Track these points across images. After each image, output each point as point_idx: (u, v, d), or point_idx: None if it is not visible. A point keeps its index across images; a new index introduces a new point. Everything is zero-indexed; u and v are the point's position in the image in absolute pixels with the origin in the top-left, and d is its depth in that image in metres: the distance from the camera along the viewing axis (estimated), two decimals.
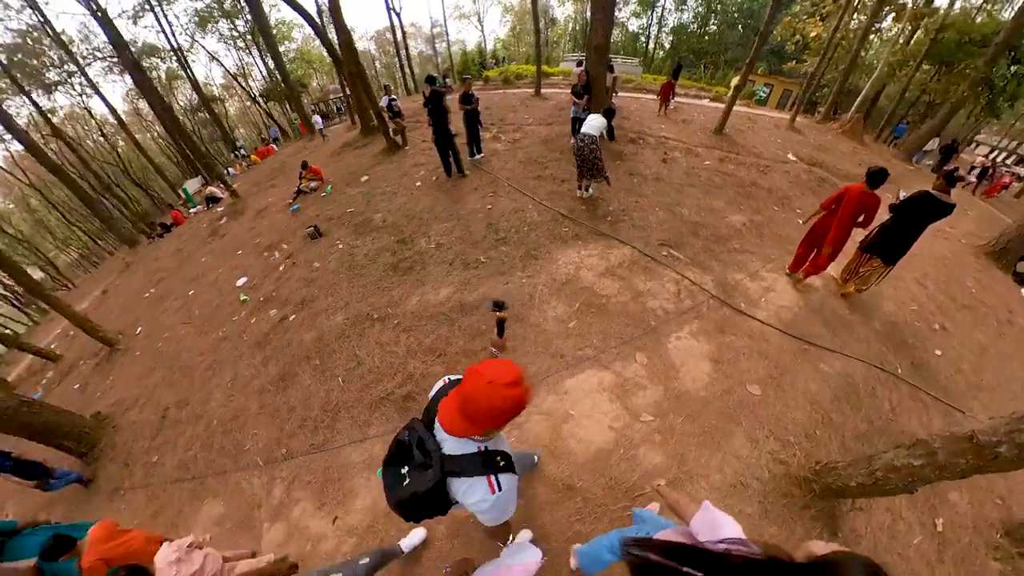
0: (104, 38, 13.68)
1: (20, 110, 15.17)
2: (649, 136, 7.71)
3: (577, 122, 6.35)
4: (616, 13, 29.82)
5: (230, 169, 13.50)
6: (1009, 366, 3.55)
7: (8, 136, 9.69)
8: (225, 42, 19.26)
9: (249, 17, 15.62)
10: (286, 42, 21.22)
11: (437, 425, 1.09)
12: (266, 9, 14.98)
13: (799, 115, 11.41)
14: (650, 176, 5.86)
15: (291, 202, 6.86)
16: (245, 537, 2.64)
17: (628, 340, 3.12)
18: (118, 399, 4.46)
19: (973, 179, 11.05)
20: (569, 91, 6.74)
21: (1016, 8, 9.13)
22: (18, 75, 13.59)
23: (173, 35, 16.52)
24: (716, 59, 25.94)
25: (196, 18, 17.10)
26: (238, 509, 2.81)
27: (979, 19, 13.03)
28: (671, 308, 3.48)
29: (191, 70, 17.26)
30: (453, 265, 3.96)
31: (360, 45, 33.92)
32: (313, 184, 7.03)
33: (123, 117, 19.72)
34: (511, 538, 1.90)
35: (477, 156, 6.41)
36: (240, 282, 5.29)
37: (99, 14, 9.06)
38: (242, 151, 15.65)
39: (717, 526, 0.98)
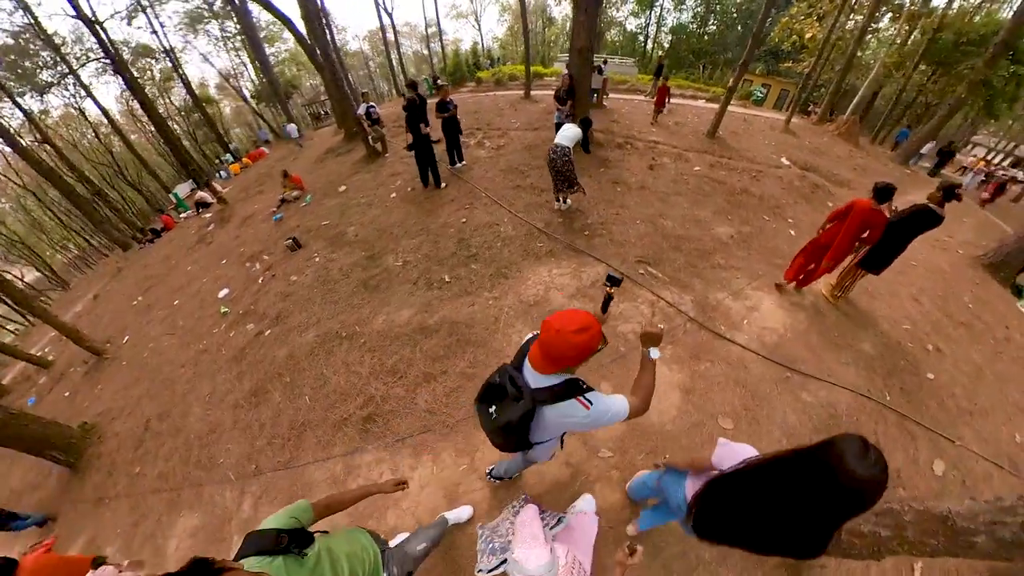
0: (96, 41, 13.67)
1: (14, 111, 15.20)
2: (638, 141, 7.61)
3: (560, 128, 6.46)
4: (614, 13, 29.86)
5: (221, 172, 13.54)
6: (1005, 388, 3.41)
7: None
8: (215, 44, 19.18)
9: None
10: (277, 43, 21.10)
11: (526, 366, 1.33)
12: (254, 12, 14.90)
13: (795, 116, 11.34)
14: (635, 185, 5.76)
15: (275, 210, 6.94)
16: (215, 548, 2.79)
17: (594, 368, 2.99)
18: (105, 409, 4.61)
19: (987, 194, 10.54)
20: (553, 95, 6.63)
21: (1015, 7, 9.02)
22: (5, 77, 13.60)
23: (165, 36, 16.46)
24: (715, 59, 25.75)
25: (186, 19, 17.00)
26: (211, 521, 2.96)
27: (977, 19, 12.86)
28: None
29: (183, 71, 17.20)
30: (417, 284, 3.95)
31: (353, 45, 33.64)
32: (295, 193, 7.10)
33: (118, 117, 19.75)
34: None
35: (458, 165, 6.38)
36: (222, 294, 5.41)
37: (90, 20, 9.03)
38: (227, 159, 15.59)
39: (737, 454, 1.19)
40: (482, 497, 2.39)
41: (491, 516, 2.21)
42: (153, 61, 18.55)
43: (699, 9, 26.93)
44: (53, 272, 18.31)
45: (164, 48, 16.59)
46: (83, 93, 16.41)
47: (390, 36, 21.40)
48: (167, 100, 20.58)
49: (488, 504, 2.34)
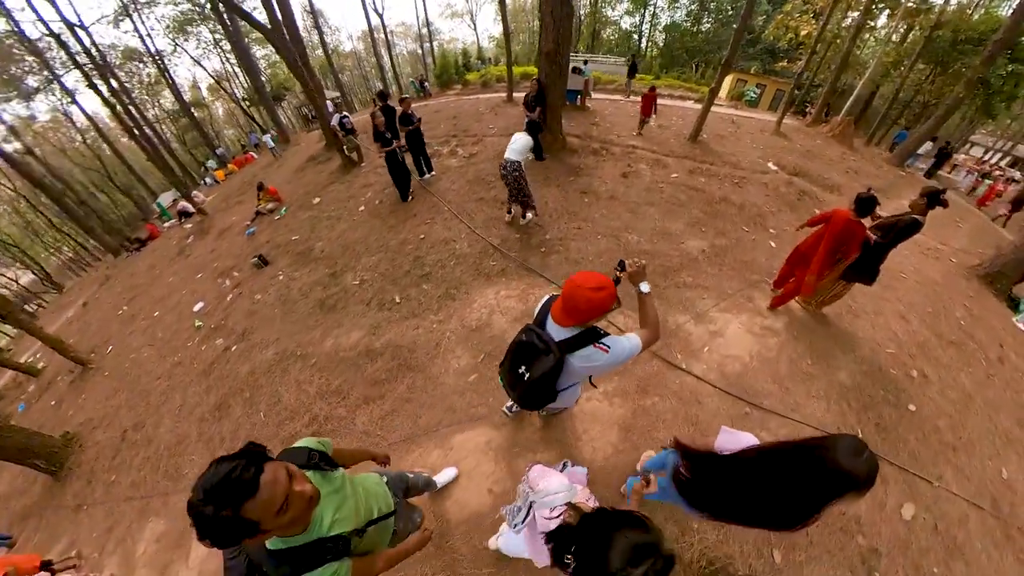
0: (84, 45, 13.72)
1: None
2: (615, 146, 7.45)
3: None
4: (609, 12, 29.57)
5: (206, 179, 13.67)
6: (995, 417, 3.18)
7: None
8: (204, 49, 19.13)
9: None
10: (268, 45, 21.00)
11: (548, 322, 1.52)
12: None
13: (789, 117, 11.22)
14: (604, 194, 5.58)
15: (249, 224, 7.13)
16: (177, 554, 3.07)
17: None
18: (86, 419, 4.87)
19: (1004, 211, 9.84)
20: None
21: (1014, 5, 8.83)
22: None
23: (152, 40, 16.47)
24: (709, 58, 25.56)
25: (174, 23, 16.96)
26: (174, 528, 3.21)
27: (976, 17, 12.63)
28: None
29: (170, 75, 17.24)
30: (370, 305, 4.05)
31: (348, 46, 33.39)
32: (270, 206, 7.27)
33: (107, 121, 19.76)
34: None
35: (427, 176, 6.45)
36: (197, 307, 5.65)
37: (72, 25, 9.08)
38: (212, 165, 15.64)
39: (738, 441, 1.35)
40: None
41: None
42: (141, 65, 18.58)
43: (693, 7, 26.77)
44: (47, 275, 18.56)
45: (151, 53, 16.63)
46: (69, 99, 16.51)
47: (380, 36, 21.27)
48: (156, 104, 20.61)
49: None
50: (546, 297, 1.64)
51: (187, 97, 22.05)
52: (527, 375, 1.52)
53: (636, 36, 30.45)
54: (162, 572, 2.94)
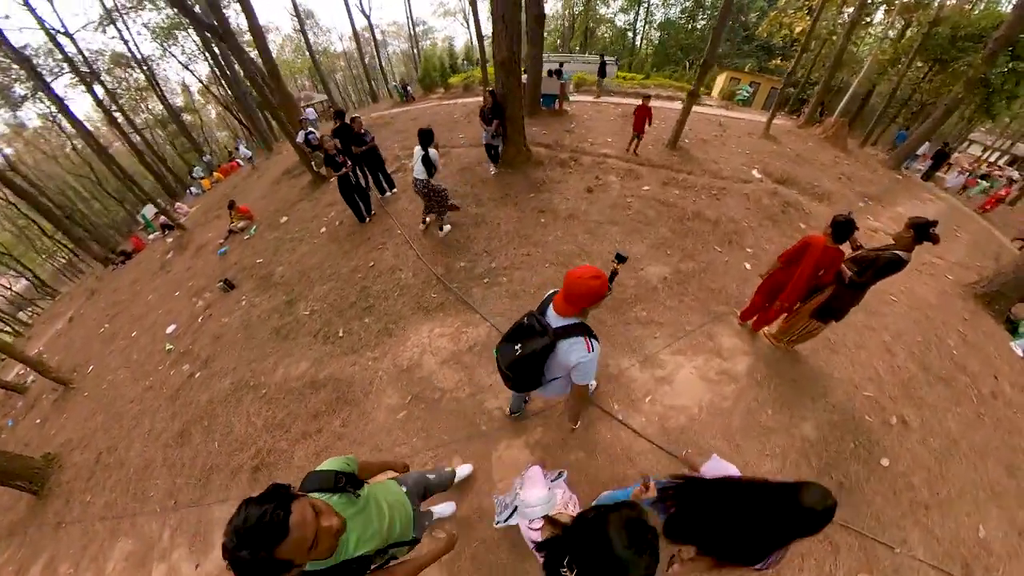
0: (71, 50, 13.65)
1: None
2: (586, 155, 7.08)
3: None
4: (603, 9, 28.97)
5: (192, 189, 13.77)
6: (981, 464, 2.91)
7: None
8: (189, 56, 18.98)
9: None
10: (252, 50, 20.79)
11: (549, 311, 1.73)
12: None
13: (783, 117, 10.80)
14: (563, 213, 5.29)
15: (222, 243, 7.30)
16: (141, 571, 3.37)
17: (447, 443, 2.89)
18: (66, 440, 5.12)
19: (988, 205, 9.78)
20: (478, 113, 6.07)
21: (1016, 1, 8.38)
22: None
23: (137, 47, 16.39)
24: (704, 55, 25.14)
25: (159, 29, 16.85)
26: (140, 548, 3.48)
27: (975, 13, 12.25)
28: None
29: (156, 81, 17.20)
30: (316, 337, 4.16)
31: (340, 46, 32.90)
32: (241, 224, 7.42)
33: (100, 127, 19.78)
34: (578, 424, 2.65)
35: (387, 193, 6.42)
36: (169, 330, 5.88)
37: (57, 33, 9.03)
38: (199, 173, 15.66)
39: (723, 470, 1.47)
40: None
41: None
42: (130, 70, 18.52)
43: (688, 4, 26.32)
44: (42, 282, 18.85)
45: (137, 59, 16.57)
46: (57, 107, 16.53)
47: (368, 37, 20.98)
48: (145, 109, 20.57)
49: None
50: (550, 291, 1.86)
51: (179, 101, 22.02)
52: (518, 350, 1.70)
53: (631, 34, 30.16)
54: None
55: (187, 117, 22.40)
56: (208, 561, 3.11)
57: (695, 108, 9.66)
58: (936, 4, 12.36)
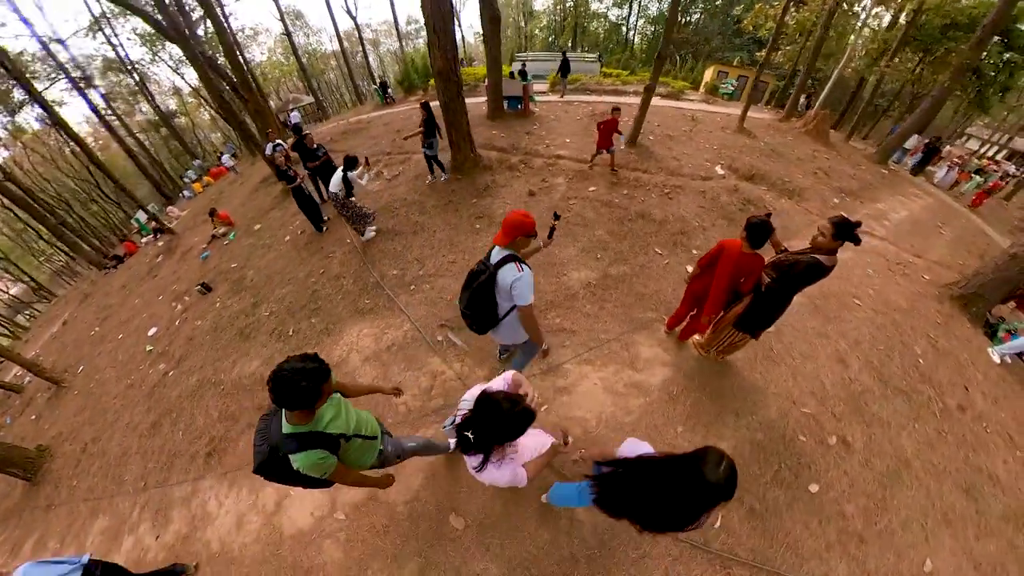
0: (65, 57, 14.03)
1: None
2: (539, 157, 7.04)
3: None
4: (597, 5, 28.97)
5: (185, 192, 14.20)
6: (936, 488, 2.59)
7: None
8: (177, 60, 19.36)
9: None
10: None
11: (493, 252, 2.10)
12: (201, 33, 15.02)
13: (767, 111, 10.30)
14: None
15: (204, 247, 7.75)
16: (113, 544, 3.86)
17: None
18: (58, 432, 5.63)
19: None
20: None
21: None
22: None
23: (126, 54, 16.78)
24: (699, 49, 25.07)
25: (148, 35, 17.23)
26: (114, 524, 3.95)
27: (965, 0, 11.60)
28: (416, 406, 3.11)
29: (146, 85, 17.61)
30: (272, 335, 4.53)
31: (330, 47, 33.08)
32: (222, 230, 7.85)
33: (99, 128, 20.19)
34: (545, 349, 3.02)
35: None
36: (151, 332, 6.36)
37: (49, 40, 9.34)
38: (190, 176, 16.01)
39: (637, 448, 1.60)
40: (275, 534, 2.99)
41: None
42: (122, 75, 18.94)
43: None
44: (39, 285, 19.37)
45: (126, 64, 16.97)
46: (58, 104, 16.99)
47: (355, 36, 21.23)
48: (138, 112, 21.01)
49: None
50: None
51: (172, 105, 22.40)
52: (471, 287, 2.11)
53: (624, 28, 30.15)
54: (103, 558, 3.72)
55: (180, 120, 22.79)
56: (167, 533, 3.58)
57: (675, 101, 9.48)
58: None
